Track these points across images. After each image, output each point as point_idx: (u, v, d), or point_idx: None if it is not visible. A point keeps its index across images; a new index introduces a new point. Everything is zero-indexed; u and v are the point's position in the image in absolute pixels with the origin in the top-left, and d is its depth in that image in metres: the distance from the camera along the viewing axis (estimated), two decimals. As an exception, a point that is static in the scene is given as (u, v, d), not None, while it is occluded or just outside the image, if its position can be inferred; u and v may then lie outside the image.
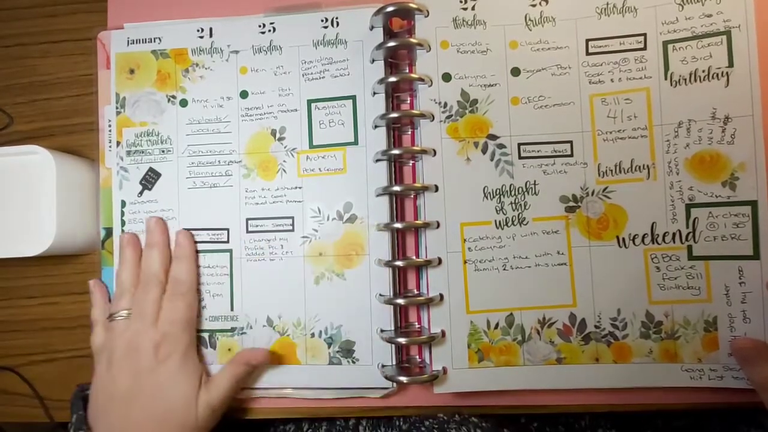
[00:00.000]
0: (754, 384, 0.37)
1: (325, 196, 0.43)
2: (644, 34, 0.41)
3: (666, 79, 0.40)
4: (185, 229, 0.44)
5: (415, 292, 0.43)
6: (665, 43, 0.40)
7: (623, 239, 0.40)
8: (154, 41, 0.46)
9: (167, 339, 0.40)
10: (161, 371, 0.39)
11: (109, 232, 0.45)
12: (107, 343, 0.41)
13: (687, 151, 0.40)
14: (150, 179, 0.45)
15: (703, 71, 0.40)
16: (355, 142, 0.43)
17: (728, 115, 0.39)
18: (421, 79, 0.41)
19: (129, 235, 0.44)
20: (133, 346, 0.40)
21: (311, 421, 0.47)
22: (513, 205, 0.41)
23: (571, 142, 0.41)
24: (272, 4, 0.45)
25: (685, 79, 0.40)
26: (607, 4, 0.41)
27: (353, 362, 0.42)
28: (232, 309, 0.44)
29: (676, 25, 0.40)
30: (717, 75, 0.39)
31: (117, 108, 0.45)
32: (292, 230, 0.43)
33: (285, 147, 0.44)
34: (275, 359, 0.43)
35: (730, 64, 0.39)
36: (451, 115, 0.42)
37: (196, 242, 0.44)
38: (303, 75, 0.44)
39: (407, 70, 0.43)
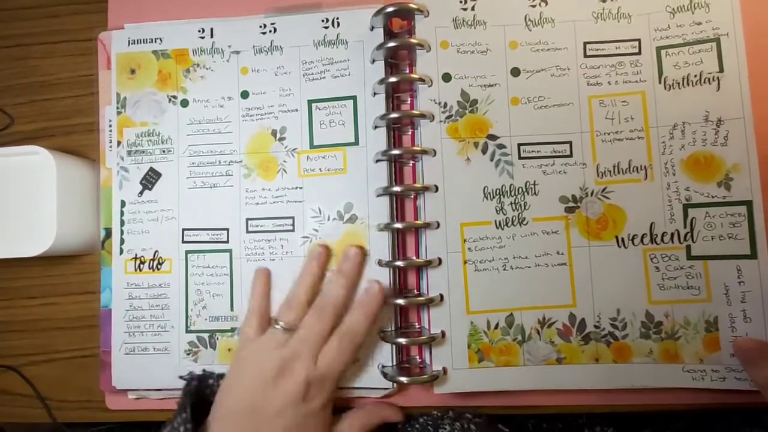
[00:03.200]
0: (758, 385, 0.37)
1: (326, 196, 0.43)
2: (638, 40, 0.41)
3: (660, 82, 0.41)
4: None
5: (415, 292, 0.43)
6: (658, 49, 0.41)
7: (622, 239, 0.41)
8: (155, 41, 0.46)
9: (320, 378, 0.38)
10: (303, 409, 0.38)
11: (108, 232, 0.45)
12: (260, 348, 0.39)
13: (682, 152, 0.40)
14: (150, 179, 0.45)
15: (695, 76, 0.40)
16: (356, 143, 0.43)
17: (720, 117, 0.40)
18: (421, 80, 0.42)
19: (322, 249, 0.42)
20: (287, 370, 0.38)
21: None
22: (513, 205, 0.41)
23: (570, 142, 0.41)
24: (273, 4, 0.46)
25: (679, 83, 0.41)
26: (603, 9, 0.42)
27: (354, 362, 0.42)
28: (232, 309, 0.44)
29: (668, 32, 0.41)
30: (708, 79, 0.40)
31: (118, 108, 0.46)
32: (293, 230, 0.44)
33: (285, 147, 0.44)
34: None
35: (721, 69, 0.40)
36: (451, 116, 0.42)
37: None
38: (304, 75, 0.44)
39: (408, 71, 0.43)
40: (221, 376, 0.41)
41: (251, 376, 0.38)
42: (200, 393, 0.41)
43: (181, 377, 0.42)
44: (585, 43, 0.42)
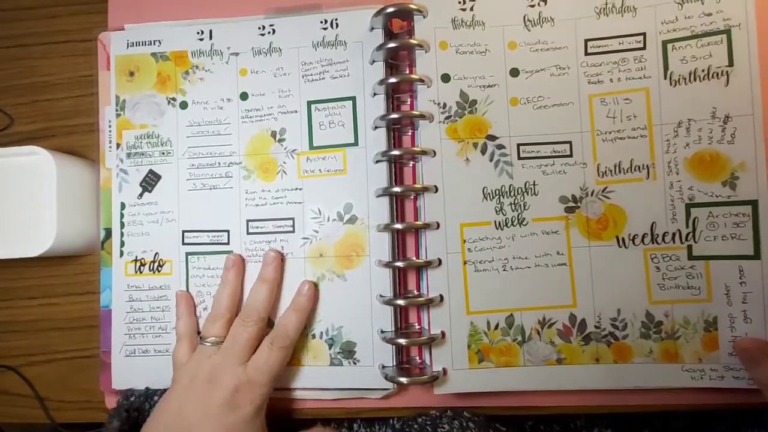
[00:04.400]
0: (759, 384, 0.37)
1: (326, 197, 0.43)
2: (643, 34, 0.41)
3: (665, 78, 0.40)
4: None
5: (416, 292, 0.43)
6: (665, 43, 0.40)
7: (623, 239, 0.40)
8: (154, 44, 0.46)
9: (250, 384, 0.38)
10: (231, 416, 0.37)
11: (108, 232, 0.45)
12: (192, 365, 0.40)
13: (687, 150, 0.40)
14: (150, 181, 0.45)
15: (703, 70, 0.40)
16: (355, 143, 0.43)
17: (728, 114, 0.39)
18: (421, 80, 0.41)
19: (235, 257, 0.43)
20: (214, 378, 0.38)
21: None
22: (512, 205, 0.41)
23: (570, 142, 0.41)
24: (272, 5, 0.45)
25: (685, 79, 0.40)
26: (606, 3, 0.41)
27: (354, 363, 0.42)
28: (232, 310, 0.44)
29: (676, 24, 0.40)
30: (717, 74, 0.39)
31: (117, 110, 0.46)
32: (293, 231, 0.44)
33: (285, 148, 0.44)
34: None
35: (730, 63, 0.39)
36: (450, 116, 0.42)
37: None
38: (303, 76, 0.44)
39: (407, 71, 0.43)
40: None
41: (183, 388, 0.39)
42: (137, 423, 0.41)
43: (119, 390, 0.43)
44: (586, 41, 0.41)
